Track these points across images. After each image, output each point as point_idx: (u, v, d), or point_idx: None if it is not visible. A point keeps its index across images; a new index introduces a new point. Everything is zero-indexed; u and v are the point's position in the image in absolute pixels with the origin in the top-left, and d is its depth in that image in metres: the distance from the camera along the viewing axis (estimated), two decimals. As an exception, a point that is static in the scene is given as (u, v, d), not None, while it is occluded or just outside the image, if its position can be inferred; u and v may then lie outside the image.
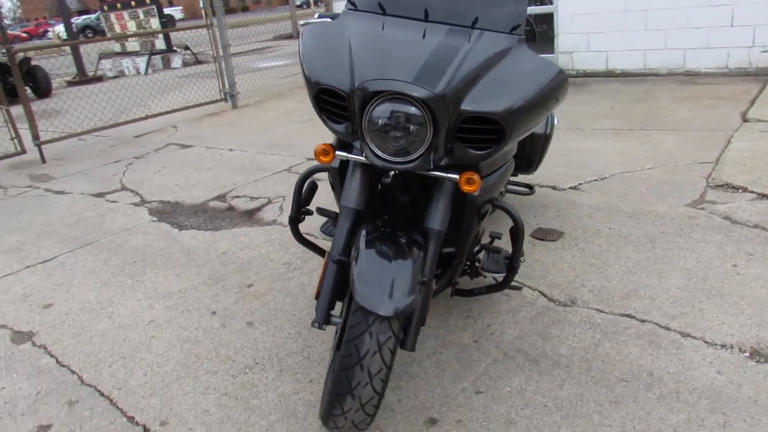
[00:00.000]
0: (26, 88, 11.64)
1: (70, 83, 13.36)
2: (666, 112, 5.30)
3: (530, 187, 3.37)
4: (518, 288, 2.71)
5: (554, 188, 3.89)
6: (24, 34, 42.15)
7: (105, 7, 14.95)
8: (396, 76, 1.71)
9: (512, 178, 3.49)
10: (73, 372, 2.46)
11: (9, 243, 3.97)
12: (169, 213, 4.22)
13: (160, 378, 2.36)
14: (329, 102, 1.92)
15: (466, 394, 2.09)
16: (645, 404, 1.95)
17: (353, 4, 1.98)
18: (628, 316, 2.44)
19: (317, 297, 1.94)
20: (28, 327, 2.85)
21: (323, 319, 1.89)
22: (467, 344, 2.37)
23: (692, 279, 2.65)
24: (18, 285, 3.32)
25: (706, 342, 2.22)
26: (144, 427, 2.10)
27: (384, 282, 1.69)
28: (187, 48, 14.68)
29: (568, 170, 4.17)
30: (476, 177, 1.83)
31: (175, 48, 14.56)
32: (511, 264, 2.22)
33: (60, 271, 3.44)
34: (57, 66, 14.73)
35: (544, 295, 2.66)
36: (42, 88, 11.49)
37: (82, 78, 13.43)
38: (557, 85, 1.96)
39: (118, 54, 15.20)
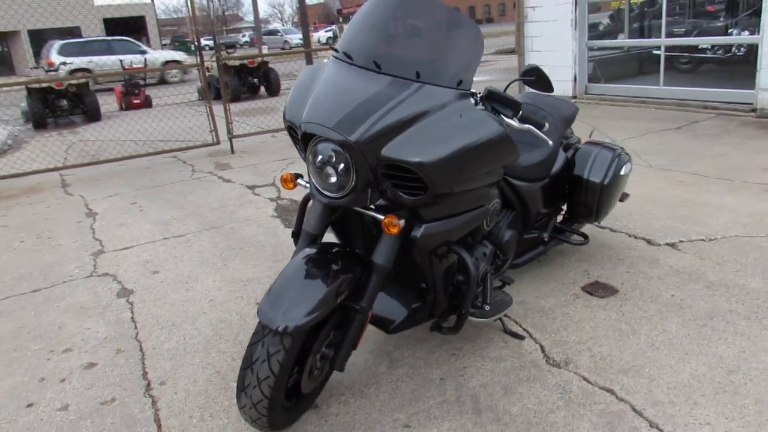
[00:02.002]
0: (261, 86, 13.58)
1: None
2: None
3: (585, 236, 3.18)
4: (521, 337, 2.66)
5: (649, 242, 3.56)
6: (294, 37, 48.36)
7: (341, 19, 16.67)
8: (322, 121, 1.90)
9: (575, 226, 3.32)
10: (136, 328, 3.07)
11: (165, 217, 4.90)
12: (290, 211, 4.78)
13: (184, 347, 2.83)
14: (296, 136, 2.17)
15: (394, 426, 2.18)
16: (549, 482, 1.85)
17: (336, 50, 2.19)
18: (609, 391, 2.25)
19: None
20: (132, 286, 3.58)
21: None
22: (432, 380, 2.42)
23: (716, 368, 2.32)
24: (149, 251, 4.13)
25: (670, 439, 1.99)
26: (149, 382, 2.58)
27: (286, 299, 1.90)
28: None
29: (679, 225, 3.77)
30: (396, 220, 1.93)
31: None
32: (459, 311, 2.23)
33: (182, 246, 4.18)
34: (295, 68, 16.88)
35: (542, 351, 2.56)
36: (273, 87, 13.30)
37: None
38: (494, 143, 1.96)
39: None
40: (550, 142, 2.36)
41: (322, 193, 2.03)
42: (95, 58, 17.28)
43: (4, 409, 2.47)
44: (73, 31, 30.93)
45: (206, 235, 4.35)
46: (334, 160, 1.93)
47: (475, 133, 1.94)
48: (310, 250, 2.10)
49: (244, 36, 51.44)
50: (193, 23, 6.82)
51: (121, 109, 13.13)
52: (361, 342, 2.52)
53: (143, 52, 18.13)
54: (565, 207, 3.29)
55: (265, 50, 27.76)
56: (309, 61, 15.42)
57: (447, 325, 2.43)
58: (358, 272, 2.09)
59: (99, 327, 3.11)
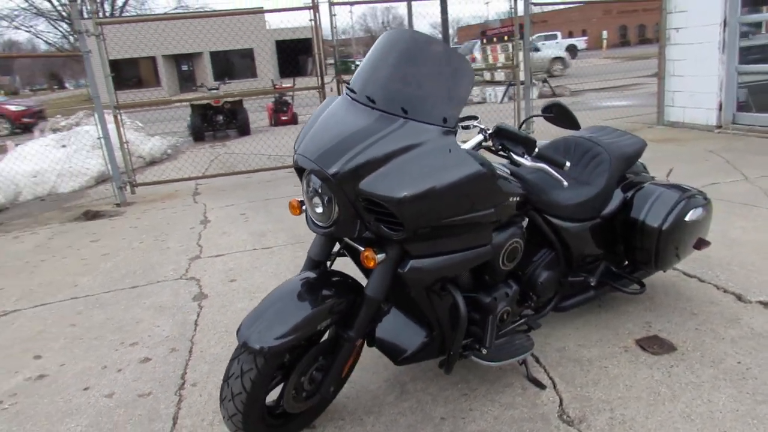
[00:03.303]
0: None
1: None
2: None
3: (642, 284, 2.90)
4: (542, 386, 2.51)
5: (739, 297, 3.15)
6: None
7: (484, 40, 16.64)
8: (309, 153, 1.96)
9: (640, 274, 3.02)
10: (195, 330, 3.34)
11: (263, 229, 5.25)
12: (374, 231, 4.89)
13: (227, 353, 3.03)
14: None
15: (377, 458, 2.16)
16: None
17: (347, 83, 2.25)
18: (613, 459, 2.05)
19: None
20: (209, 291, 3.90)
21: None
22: (432, 417, 2.36)
23: (753, 454, 2.01)
24: (236, 260, 4.47)
25: None
26: (183, 382, 2.81)
27: (265, 320, 1.98)
28: (545, 81, 15.22)
29: (784, 281, 3.28)
30: (373, 254, 1.94)
31: (533, 80, 15.26)
32: (447, 351, 2.16)
33: (264, 258, 4.46)
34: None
35: (560, 404, 2.38)
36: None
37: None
38: (471, 183, 1.90)
39: (487, 82, 16.75)
40: (565, 183, 2.21)
41: (314, 223, 2.10)
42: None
43: (66, 389, 2.83)
44: (249, 53, 34.11)
45: (290, 249, 4.60)
46: (320, 191, 1.99)
47: (451, 172, 1.89)
48: (306, 275, 2.18)
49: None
50: (319, 46, 7.26)
51: (271, 125, 14.24)
52: (377, 368, 2.55)
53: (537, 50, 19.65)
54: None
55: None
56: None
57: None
58: (351, 301, 2.12)
59: (166, 326, 3.43)
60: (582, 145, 2.89)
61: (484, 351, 2.30)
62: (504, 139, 2.17)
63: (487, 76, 16.98)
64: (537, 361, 2.71)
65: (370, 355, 2.69)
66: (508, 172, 2.41)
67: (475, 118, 2.26)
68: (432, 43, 2.08)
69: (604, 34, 35.29)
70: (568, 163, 2.21)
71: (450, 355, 2.22)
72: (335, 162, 1.89)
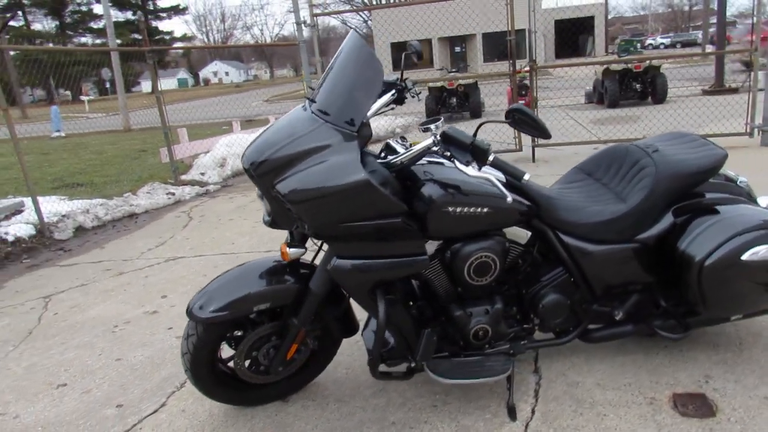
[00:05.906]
0: (649, 93, 12.63)
1: (705, 92, 13.40)
2: None
3: (686, 327, 2.35)
4: (513, 417, 2.30)
5: None
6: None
7: None
8: (248, 151, 2.10)
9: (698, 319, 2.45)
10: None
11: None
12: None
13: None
14: None
15: (309, 442, 2.26)
16: None
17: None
18: None
19: None
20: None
21: None
22: (385, 419, 2.34)
23: None
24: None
25: None
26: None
27: (209, 293, 2.23)
28: None
29: None
30: (284, 248, 2.05)
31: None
32: (369, 358, 2.12)
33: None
34: (699, 73, 15.02)
35: (518, 440, 2.15)
36: (657, 93, 12.20)
37: (717, 88, 13.24)
38: (353, 190, 1.88)
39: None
40: (509, 199, 1.96)
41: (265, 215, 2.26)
42: None
43: (158, 326, 3.47)
44: (521, 34, 33.81)
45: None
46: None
47: (337, 178, 1.87)
48: (270, 258, 2.36)
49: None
50: (510, 29, 7.03)
51: (508, 109, 14.17)
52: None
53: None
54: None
55: None
56: (717, 66, 13.46)
57: (397, 370, 2.33)
58: (301, 290, 2.25)
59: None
60: (634, 154, 2.45)
61: (413, 364, 2.20)
62: (450, 145, 2.01)
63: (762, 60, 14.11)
64: (536, 390, 2.45)
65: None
66: (504, 181, 2.20)
67: (437, 120, 2.13)
68: (361, 48, 2.05)
69: None
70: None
71: (371, 360, 2.18)
72: (257, 159, 2.02)
